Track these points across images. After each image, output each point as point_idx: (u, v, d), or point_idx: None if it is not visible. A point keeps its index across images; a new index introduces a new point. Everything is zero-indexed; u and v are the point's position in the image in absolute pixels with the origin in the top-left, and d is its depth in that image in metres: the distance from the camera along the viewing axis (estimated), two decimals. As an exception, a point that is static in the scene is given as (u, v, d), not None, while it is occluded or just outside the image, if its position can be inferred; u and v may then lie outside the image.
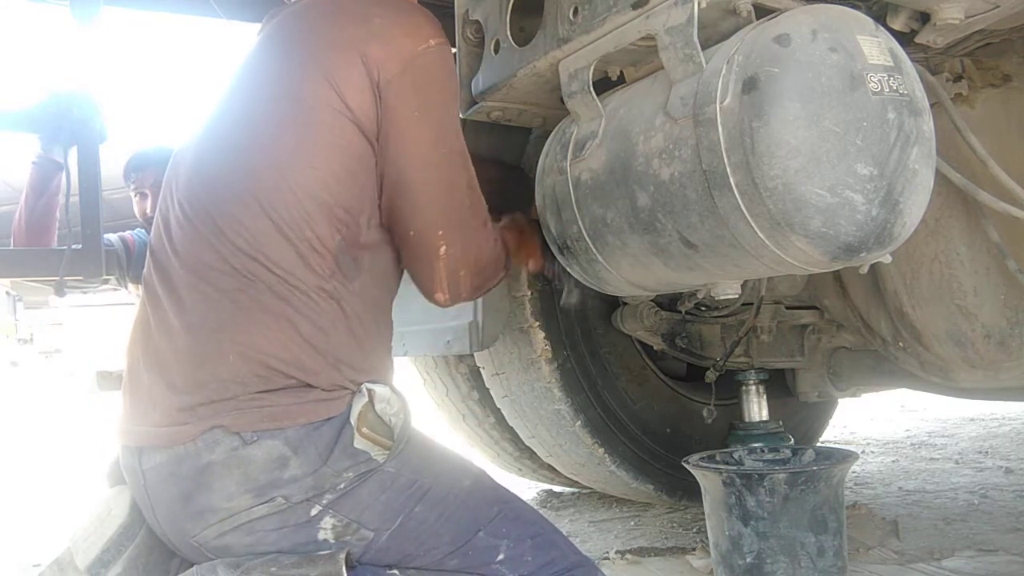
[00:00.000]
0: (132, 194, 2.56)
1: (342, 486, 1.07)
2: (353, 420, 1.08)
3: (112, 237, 2.51)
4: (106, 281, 2.44)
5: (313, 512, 1.06)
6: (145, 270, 1.22)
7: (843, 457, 1.87)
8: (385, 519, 1.09)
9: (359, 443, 1.08)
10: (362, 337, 1.15)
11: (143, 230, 2.57)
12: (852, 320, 2.13)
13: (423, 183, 1.17)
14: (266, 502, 1.05)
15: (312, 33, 1.16)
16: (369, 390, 1.11)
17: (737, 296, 1.38)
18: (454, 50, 1.71)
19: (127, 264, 2.48)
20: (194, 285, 1.11)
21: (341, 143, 1.11)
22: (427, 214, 1.18)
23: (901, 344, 1.96)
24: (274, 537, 1.06)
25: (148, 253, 1.23)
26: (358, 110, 1.11)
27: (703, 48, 1.19)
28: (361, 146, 1.12)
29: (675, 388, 2.67)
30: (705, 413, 2.31)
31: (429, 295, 1.24)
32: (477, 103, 1.65)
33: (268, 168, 1.11)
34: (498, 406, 2.61)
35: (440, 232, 1.19)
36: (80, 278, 1.56)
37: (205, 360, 1.08)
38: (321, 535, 1.07)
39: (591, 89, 1.39)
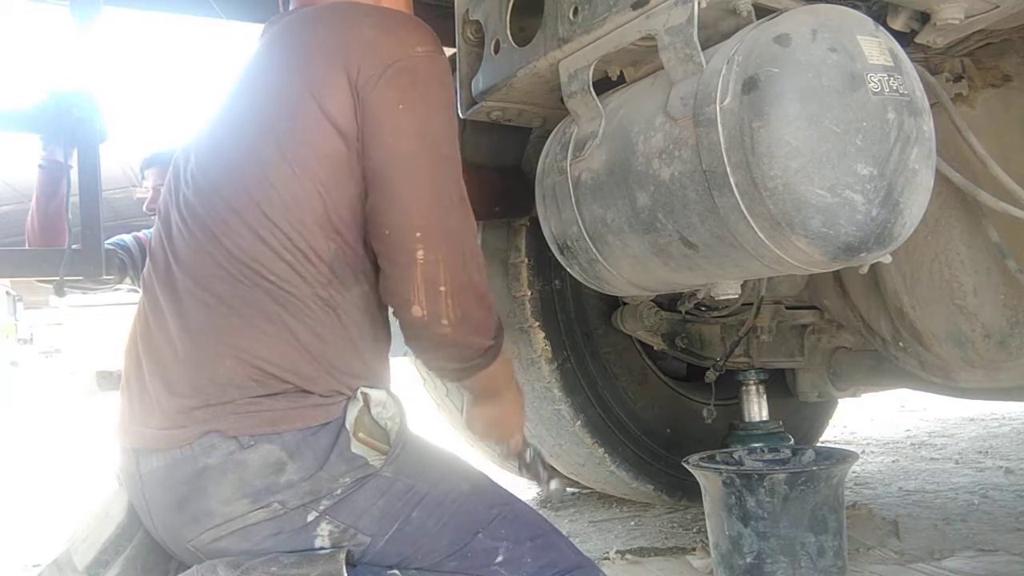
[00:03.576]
0: (146, 189, 2.59)
1: (339, 492, 1.06)
2: (349, 425, 1.08)
3: (127, 237, 2.53)
4: (120, 281, 2.46)
5: (310, 518, 1.06)
6: (145, 271, 1.22)
7: (843, 457, 1.87)
8: (382, 524, 1.08)
9: (356, 448, 1.07)
10: (360, 344, 1.14)
11: None
12: (852, 320, 2.13)
13: (402, 177, 1.09)
14: (262, 507, 1.05)
15: (303, 43, 1.15)
16: (364, 395, 1.10)
17: (737, 296, 1.38)
18: (454, 50, 1.71)
19: (141, 264, 2.49)
20: (192, 289, 1.11)
21: (326, 151, 1.08)
22: (407, 211, 1.09)
23: (901, 344, 1.96)
24: (271, 543, 1.06)
25: (148, 254, 1.23)
26: (337, 114, 1.08)
27: (703, 48, 1.19)
28: (344, 152, 1.09)
29: (675, 388, 2.67)
30: (705, 413, 2.31)
31: (404, 308, 1.11)
32: (477, 103, 1.65)
33: (258, 179, 1.10)
34: (498, 406, 2.61)
35: (418, 234, 1.08)
36: (80, 278, 1.56)
37: (202, 364, 1.08)
38: (318, 541, 1.06)
39: (591, 89, 1.39)
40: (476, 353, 1.18)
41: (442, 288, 1.10)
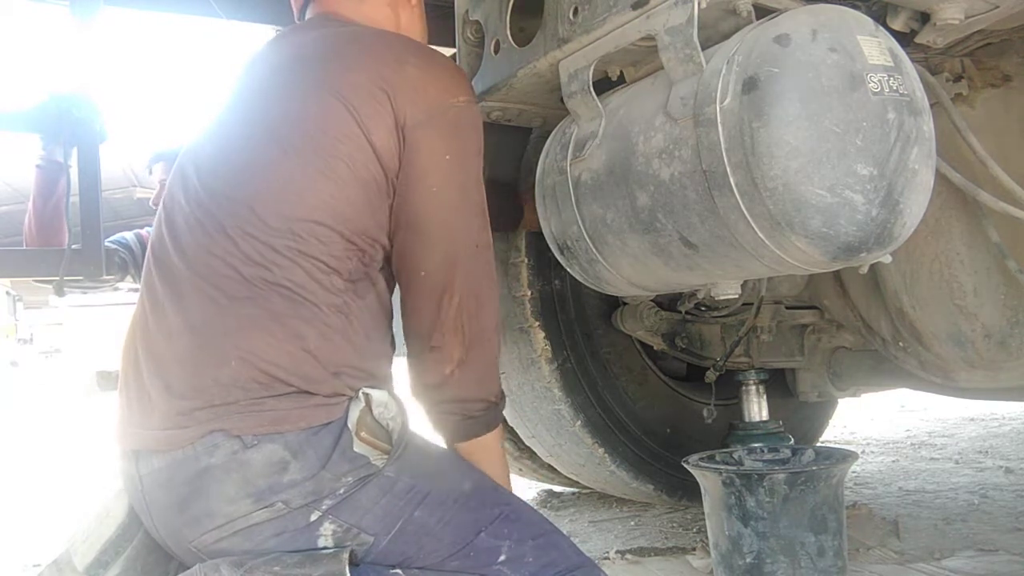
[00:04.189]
0: (151, 187, 2.61)
1: (341, 491, 1.06)
2: (351, 425, 1.08)
3: (128, 235, 2.53)
4: (120, 279, 2.47)
5: (312, 517, 1.06)
6: (145, 268, 1.21)
7: (843, 457, 1.87)
8: (384, 524, 1.08)
9: (358, 447, 1.07)
10: (366, 348, 1.14)
11: None
12: (852, 320, 2.13)
13: (442, 225, 1.16)
14: (266, 507, 1.05)
15: (346, 67, 1.16)
16: (366, 395, 1.10)
17: (737, 296, 1.38)
18: (454, 50, 1.71)
19: (142, 261, 2.49)
20: (200, 288, 1.10)
21: (365, 177, 1.12)
22: (443, 256, 1.16)
23: (901, 344, 1.96)
24: (273, 543, 1.06)
25: (149, 251, 1.21)
26: (382, 148, 1.12)
27: (703, 48, 1.19)
28: (382, 182, 1.13)
29: (675, 388, 2.67)
30: (705, 413, 2.31)
31: (424, 343, 1.18)
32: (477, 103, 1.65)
33: (288, 192, 1.10)
34: (498, 406, 2.60)
35: (451, 277, 1.16)
36: (80, 278, 1.56)
37: (206, 364, 1.07)
38: (321, 541, 1.06)
39: (591, 89, 1.39)
40: (477, 405, 1.21)
41: (462, 329, 1.17)
